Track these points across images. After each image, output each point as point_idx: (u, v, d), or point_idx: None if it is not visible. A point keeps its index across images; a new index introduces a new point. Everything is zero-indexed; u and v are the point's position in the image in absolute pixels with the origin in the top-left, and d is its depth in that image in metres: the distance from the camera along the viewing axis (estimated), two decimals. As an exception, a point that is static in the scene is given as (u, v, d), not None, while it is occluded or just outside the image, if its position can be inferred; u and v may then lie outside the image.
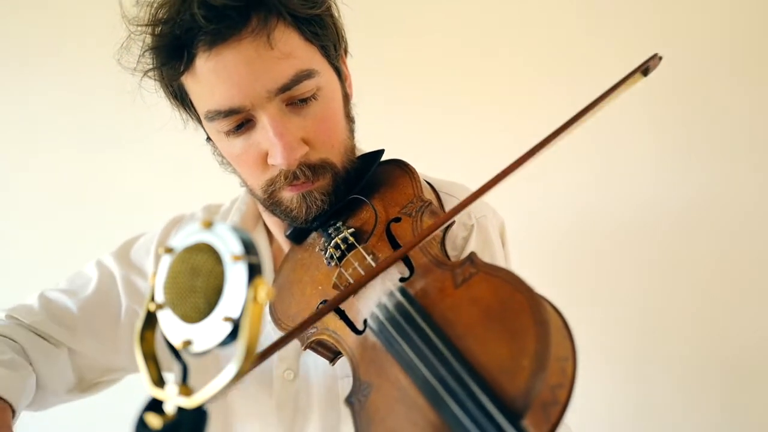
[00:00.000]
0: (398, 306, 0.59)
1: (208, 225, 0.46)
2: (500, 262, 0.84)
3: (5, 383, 0.76)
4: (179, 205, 1.31)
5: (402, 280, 0.63)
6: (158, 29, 0.68)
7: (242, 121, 0.70)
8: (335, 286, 0.70)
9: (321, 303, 0.70)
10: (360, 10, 0.78)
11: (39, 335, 0.87)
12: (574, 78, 1.29)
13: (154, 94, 0.76)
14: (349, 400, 0.58)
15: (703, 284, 1.28)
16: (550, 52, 1.31)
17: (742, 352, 1.28)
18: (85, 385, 0.92)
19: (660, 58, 0.64)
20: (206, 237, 0.46)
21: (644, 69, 0.65)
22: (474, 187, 0.88)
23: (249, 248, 0.44)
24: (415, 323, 0.56)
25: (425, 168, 0.80)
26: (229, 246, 0.45)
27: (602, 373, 1.30)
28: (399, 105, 1.31)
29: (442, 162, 1.01)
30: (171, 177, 1.41)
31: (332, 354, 0.70)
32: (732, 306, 1.27)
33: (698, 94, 1.27)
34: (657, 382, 1.31)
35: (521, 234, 0.97)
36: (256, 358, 0.56)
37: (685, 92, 1.27)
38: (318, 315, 0.59)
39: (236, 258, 0.44)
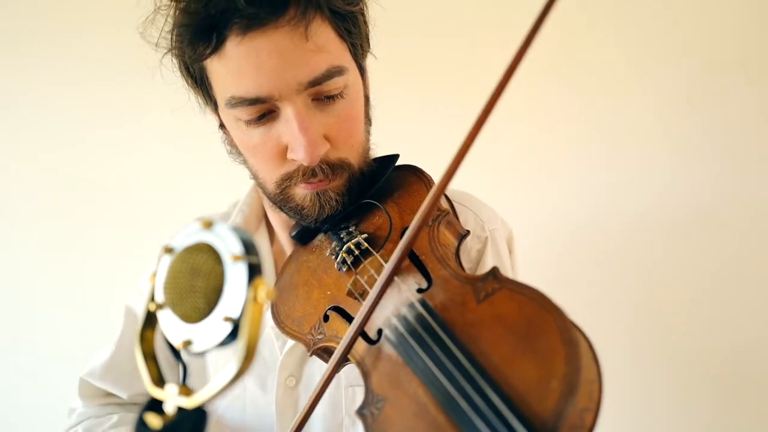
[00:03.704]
0: (419, 318, 0.57)
1: (208, 225, 0.46)
2: (507, 273, 0.83)
3: None
4: (179, 205, 1.31)
5: (420, 291, 0.62)
6: (191, 6, 0.65)
7: (265, 112, 0.68)
8: (350, 293, 0.68)
9: (330, 308, 0.69)
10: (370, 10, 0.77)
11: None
12: (589, 81, 1.29)
13: (172, 74, 0.74)
14: (361, 412, 0.57)
15: (715, 286, 1.26)
16: (569, 55, 1.30)
17: (759, 356, 1.26)
18: None
19: None
20: (206, 237, 0.46)
21: None
22: (484, 195, 0.88)
23: (249, 248, 0.44)
24: (438, 337, 0.55)
25: (436, 171, 0.79)
26: (229, 246, 0.45)
27: (608, 376, 1.29)
28: (407, 108, 1.30)
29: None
30: (172, 176, 1.41)
31: None
32: (746, 307, 1.25)
33: (710, 93, 1.25)
34: (667, 385, 1.30)
35: (529, 236, 0.96)
36: (321, 385, 0.57)
37: (697, 91, 1.25)
38: (351, 341, 0.58)
39: (236, 258, 0.44)
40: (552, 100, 1.31)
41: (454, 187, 0.84)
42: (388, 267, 0.59)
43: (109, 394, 0.94)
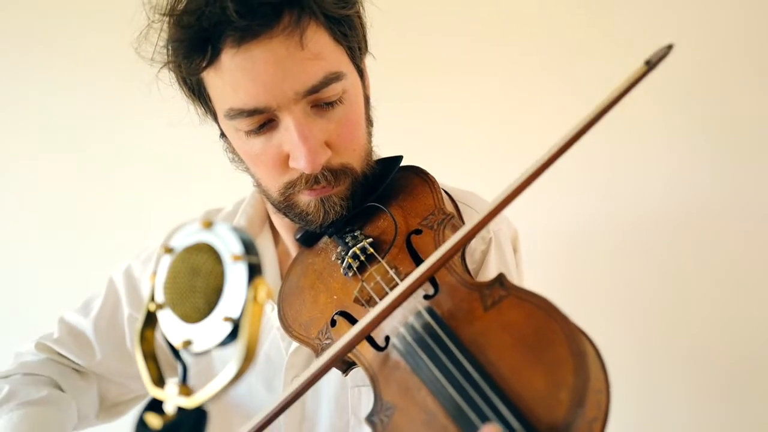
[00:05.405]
0: (426, 327, 0.57)
1: (208, 225, 0.46)
2: (512, 275, 0.82)
3: (50, 417, 0.82)
4: (181, 207, 1.30)
5: (426, 297, 0.61)
6: (183, 20, 0.64)
7: (264, 122, 0.68)
8: (356, 300, 0.68)
9: (337, 313, 0.69)
10: (370, 8, 0.76)
11: (68, 366, 0.91)
12: (589, 79, 1.29)
13: (169, 88, 0.73)
14: (371, 419, 0.57)
15: (719, 285, 1.25)
16: (569, 54, 1.30)
17: (760, 359, 1.24)
18: (107, 405, 0.95)
19: (670, 47, 0.60)
20: (206, 237, 0.46)
21: (653, 62, 0.61)
22: (487, 195, 0.87)
23: (249, 248, 0.44)
24: (446, 347, 0.54)
25: (441, 171, 0.79)
26: (229, 246, 0.45)
27: (613, 377, 1.29)
28: (411, 106, 1.29)
29: (457, 165, 0.99)
30: (172, 179, 1.41)
31: (346, 366, 0.68)
32: (749, 307, 1.24)
33: (711, 92, 1.24)
34: (671, 386, 1.29)
35: (529, 237, 0.95)
36: (300, 389, 0.58)
37: (698, 90, 1.24)
38: (351, 343, 0.57)
39: (236, 258, 0.44)
40: (552, 99, 1.30)
41: (458, 187, 0.83)
42: (393, 293, 0.58)
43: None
